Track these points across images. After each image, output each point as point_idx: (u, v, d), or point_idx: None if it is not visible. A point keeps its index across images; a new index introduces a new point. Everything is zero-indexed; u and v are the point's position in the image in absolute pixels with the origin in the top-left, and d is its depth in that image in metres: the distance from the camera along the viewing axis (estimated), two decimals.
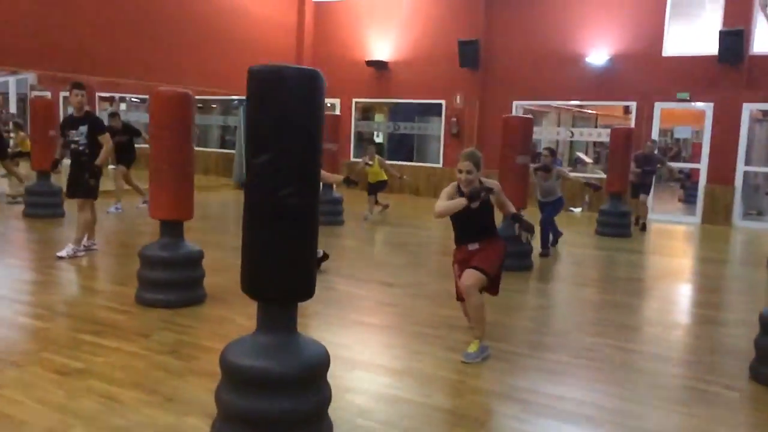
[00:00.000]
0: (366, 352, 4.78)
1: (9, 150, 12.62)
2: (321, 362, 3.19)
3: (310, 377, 3.12)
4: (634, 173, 11.36)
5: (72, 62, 11.41)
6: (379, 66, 15.87)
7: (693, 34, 13.80)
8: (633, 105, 13.82)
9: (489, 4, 14.70)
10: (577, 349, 4.96)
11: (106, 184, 8.62)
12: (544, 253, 8.69)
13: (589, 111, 17.95)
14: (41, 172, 9.93)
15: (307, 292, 3.18)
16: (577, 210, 13.94)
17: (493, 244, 4.61)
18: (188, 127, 5.53)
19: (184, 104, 5.49)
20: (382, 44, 15.96)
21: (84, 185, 7.21)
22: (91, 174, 7.11)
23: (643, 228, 11.75)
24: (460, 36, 14.61)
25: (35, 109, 10.24)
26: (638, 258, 9.34)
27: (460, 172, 4.50)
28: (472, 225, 4.60)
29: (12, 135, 14.80)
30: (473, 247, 4.60)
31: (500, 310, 5.66)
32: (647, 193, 11.82)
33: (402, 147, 16.37)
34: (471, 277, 4.49)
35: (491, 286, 4.66)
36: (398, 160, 15.01)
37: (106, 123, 10.43)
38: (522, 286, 7.07)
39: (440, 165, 15.47)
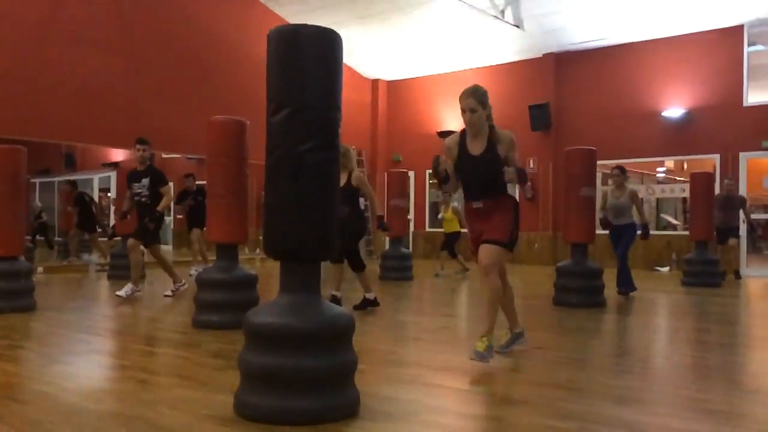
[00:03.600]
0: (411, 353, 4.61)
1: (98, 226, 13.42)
2: (342, 323, 3.09)
3: (330, 336, 3.03)
4: (717, 217, 10.43)
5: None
6: None
7: None
8: (716, 158, 13.25)
9: (558, 67, 14.79)
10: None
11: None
12: (624, 291, 7.90)
13: (676, 178, 17.30)
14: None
15: (326, 251, 3.14)
16: (665, 269, 13.21)
17: (500, 204, 4.09)
18: (242, 154, 5.74)
19: (238, 132, 5.73)
20: (453, 116, 16.24)
21: (141, 228, 7.48)
22: (151, 219, 7.38)
23: (737, 276, 10.86)
24: (531, 101, 14.68)
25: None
26: (730, 301, 8.54)
27: (463, 112, 4.00)
28: (475, 180, 4.09)
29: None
30: (477, 205, 4.11)
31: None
32: (736, 236, 10.79)
33: None
34: (487, 255, 4.00)
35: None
36: None
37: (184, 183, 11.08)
38: (590, 316, 6.60)
39: None
